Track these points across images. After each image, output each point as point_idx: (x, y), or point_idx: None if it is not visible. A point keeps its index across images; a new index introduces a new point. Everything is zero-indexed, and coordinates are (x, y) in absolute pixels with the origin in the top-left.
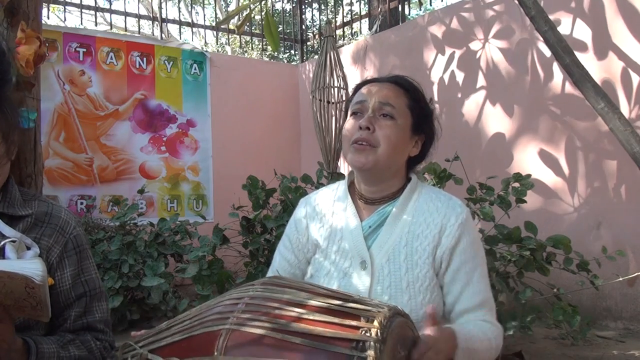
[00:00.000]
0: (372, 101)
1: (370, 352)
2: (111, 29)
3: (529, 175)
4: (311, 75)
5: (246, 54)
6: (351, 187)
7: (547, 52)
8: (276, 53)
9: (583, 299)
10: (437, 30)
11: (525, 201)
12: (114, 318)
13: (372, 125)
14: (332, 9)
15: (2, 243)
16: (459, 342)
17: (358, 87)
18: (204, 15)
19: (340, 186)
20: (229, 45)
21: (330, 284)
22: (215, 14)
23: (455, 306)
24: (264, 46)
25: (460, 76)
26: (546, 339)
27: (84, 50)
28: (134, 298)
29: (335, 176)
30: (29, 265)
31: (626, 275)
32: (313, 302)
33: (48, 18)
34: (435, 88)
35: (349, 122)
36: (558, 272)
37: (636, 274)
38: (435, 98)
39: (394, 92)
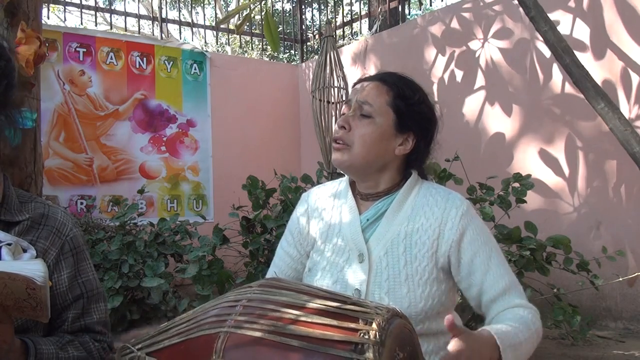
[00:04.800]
0: (354, 100)
1: (369, 355)
2: (111, 29)
3: (529, 175)
4: (311, 75)
5: (246, 54)
6: (353, 183)
7: (547, 52)
8: (276, 53)
9: (583, 299)
10: (437, 30)
11: (525, 201)
12: (114, 318)
13: (349, 124)
14: (332, 9)
15: None
16: (501, 341)
17: (352, 87)
18: (204, 15)
19: (342, 183)
20: (229, 45)
21: (327, 278)
22: (215, 14)
23: (482, 298)
24: (264, 46)
25: (460, 76)
26: (546, 339)
27: (84, 50)
28: (134, 298)
29: (335, 176)
30: (30, 266)
31: (626, 275)
32: (311, 304)
33: (48, 18)
34: (435, 88)
35: (337, 121)
36: (558, 272)
37: (636, 274)
38: (435, 98)
39: (376, 90)
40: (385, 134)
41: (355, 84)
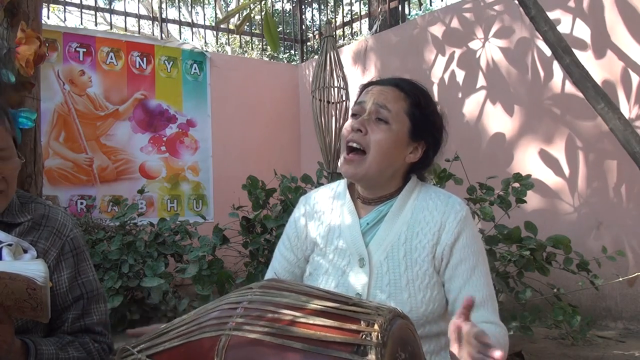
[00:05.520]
0: (369, 103)
1: (371, 356)
2: (111, 29)
3: (529, 176)
4: (311, 75)
5: (246, 54)
6: (351, 186)
7: (547, 52)
8: (276, 53)
9: (583, 299)
10: (437, 30)
11: (525, 201)
12: (113, 318)
13: (365, 128)
14: (332, 9)
15: None
16: None
17: (362, 88)
18: (204, 15)
19: (340, 185)
20: (229, 45)
21: (328, 282)
22: (215, 14)
23: (456, 304)
24: (264, 46)
25: (460, 76)
26: (546, 339)
27: (84, 50)
28: (134, 298)
29: (335, 176)
30: (31, 267)
31: (626, 275)
32: (312, 306)
33: (48, 18)
34: (435, 88)
35: (347, 123)
36: (558, 272)
37: (636, 274)
38: (436, 98)
39: (393, 95)
40: (400, 141)
41: (366, 85)
